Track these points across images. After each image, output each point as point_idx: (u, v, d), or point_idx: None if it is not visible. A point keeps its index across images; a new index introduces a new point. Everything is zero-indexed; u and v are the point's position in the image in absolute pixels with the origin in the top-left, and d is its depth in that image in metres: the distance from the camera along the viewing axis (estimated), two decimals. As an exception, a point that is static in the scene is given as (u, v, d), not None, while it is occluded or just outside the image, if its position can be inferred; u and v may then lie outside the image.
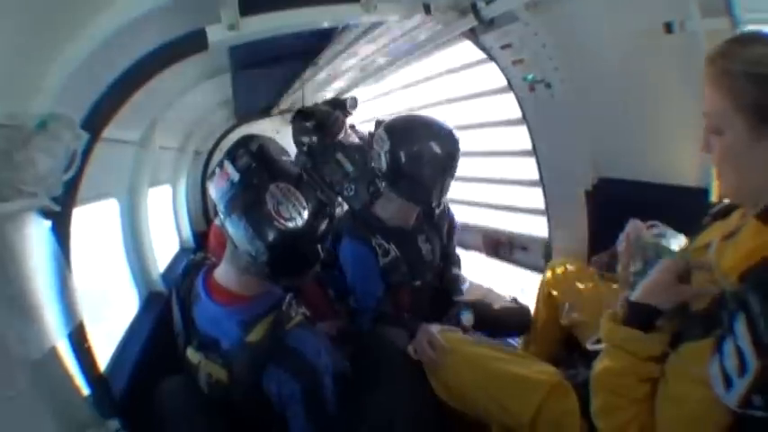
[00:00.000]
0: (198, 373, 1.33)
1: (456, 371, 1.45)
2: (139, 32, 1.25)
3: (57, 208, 1.07)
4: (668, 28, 1.48)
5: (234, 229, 1.24)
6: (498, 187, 3.14)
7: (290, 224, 1.22)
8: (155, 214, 2.27)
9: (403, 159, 1.84)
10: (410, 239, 2.04)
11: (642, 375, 0.97)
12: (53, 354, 1.12)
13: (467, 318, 1.85)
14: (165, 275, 2.19)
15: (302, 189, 1.27)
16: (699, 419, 0.88)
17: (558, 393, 1.29)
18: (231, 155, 1.30)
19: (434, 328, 1.56)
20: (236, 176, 1.25)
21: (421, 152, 1.84)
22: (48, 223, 1.10)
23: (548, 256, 2.42)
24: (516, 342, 2.17)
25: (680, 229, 1.24)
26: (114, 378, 1.42)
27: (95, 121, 1.25)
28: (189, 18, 1.40)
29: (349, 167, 1.99)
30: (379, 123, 2.09)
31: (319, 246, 1.32)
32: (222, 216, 1.27)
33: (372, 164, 1.97)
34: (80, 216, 1.35)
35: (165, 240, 2.40)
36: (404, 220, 2.01)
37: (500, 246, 3.04)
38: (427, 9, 1.92)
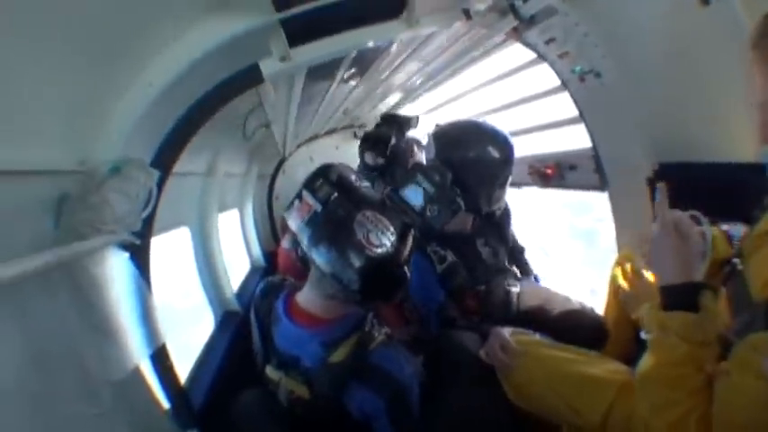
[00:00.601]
0: (278, 389, 1.37)
1: (528, 373, 1.43)
2: (198, 73, 1.34)
3: (137, 241, 1.17)
4: (705, 0, 1.39)
5: (322, 259, 1.24)
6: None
7: (381, 250, 1.22)
8: (225, 238, 2.40)
9: (450, 171, 1.80)
10: (469, 244, 2.03)
11: (698, 362, 0.92)
12: (137, 372, 1.22)
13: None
14: (239, 295, 2.31)
15: (387, 214, 1.27)
16: (761, 415, 0.82)
17: (629, 392, 1.24)
18: (310, 186, 1.33)
19: (506, 332, 1.55)
20: (318, 207, 1.27)
21: (466, 158, 1.84)
22: (127, 254, 1.20)
23: (599, 170, 2.32)
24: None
25: (746, 207, 1.16)
26: (193, 392, 1.52)
27: (165, 159, 1.35)
28: (243, 54, 1.49)
29: (430, 189, 2.02)
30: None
31: (406, 267, 1.32)
32: (306, 246, 1.27)
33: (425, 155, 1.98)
34: (157, 244, 1.46)
35: (237, 261, 2.53)
36: (460, 225, 2.00)
37: (547, 171, 2.87)
38: (467, 14, 1.93)
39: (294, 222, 1.31)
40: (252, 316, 1.49)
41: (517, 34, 2.13)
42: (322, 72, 2.15)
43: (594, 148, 2.29)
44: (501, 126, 1.96)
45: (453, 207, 1.70)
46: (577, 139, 2.47)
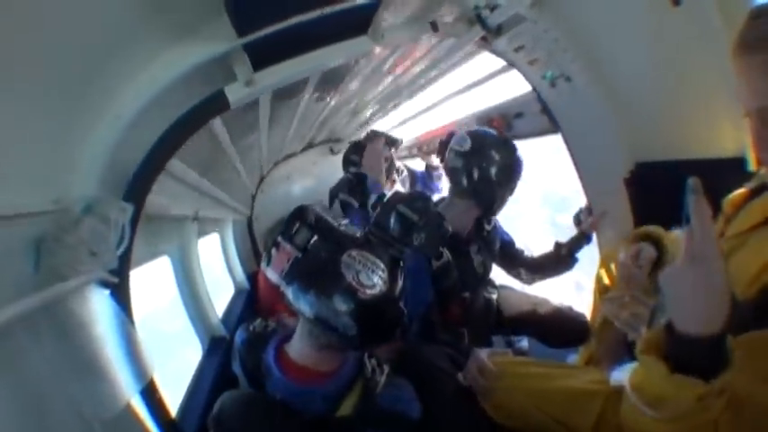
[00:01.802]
0: None
1: (508, 393, 1.42)
2: (165, 103, 1.33)
3: (114, 280, 1.15)
4: (675, 1, 1.43)
5: (311, 309, 1.15)
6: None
7: (374, 291, 1.14)
8: (207, 263, 2.38)
9: (481, 164, 1.97)
10: (463, 249, 2.07)
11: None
12: (128, 409, 1.19)
13: (523, 345, 1.84)
14: (224, 320, 2.29)
15: (374, 251, 1.19)
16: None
17: (615, 401, 1.24)
18: (286, 232, 1.24)
19: (483, 354, 1.55)
20: (298, 254, 1.20)
21: (497, 161, 1.97)
22: (107, 291, 1.19)
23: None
24: (575, 355, 2.11)
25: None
26: (185, 422, 1.49)
27: (137, 191, 1.33)
28: (209, 80, 1.49)
29: (414, 217, 2.04)
30: (450, 135, 2.16)
31: (402, 302, 1.24)
32: (292, 297, 1.19)
33: (448, 165, 2.05)
34: (137, 276, 1.44)
35: (220, 286, 2.51)
36: (461, 226, 2.06)
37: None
38: (434, 27, 1.95)
39: (273, 274, 1.22)
40: (236, 368, 1.36)
41: (486, 43, 2.16)
42: (288, 91, 2.16)
43: (569, 150, 2.33)
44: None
45: (441, 231, 1.71)
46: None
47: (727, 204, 1.16)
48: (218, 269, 2.75)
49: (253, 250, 3.33)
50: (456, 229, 1.98)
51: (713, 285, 0.72)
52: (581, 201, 2.38)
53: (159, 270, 2.11)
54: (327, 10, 1.43)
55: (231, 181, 2.68)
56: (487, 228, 2.20)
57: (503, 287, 2.38)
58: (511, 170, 2.01)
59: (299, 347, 1.27)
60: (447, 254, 1.96)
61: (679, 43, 1.55)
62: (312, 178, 3.88)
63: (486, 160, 1.97)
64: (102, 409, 1.05)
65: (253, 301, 2.79)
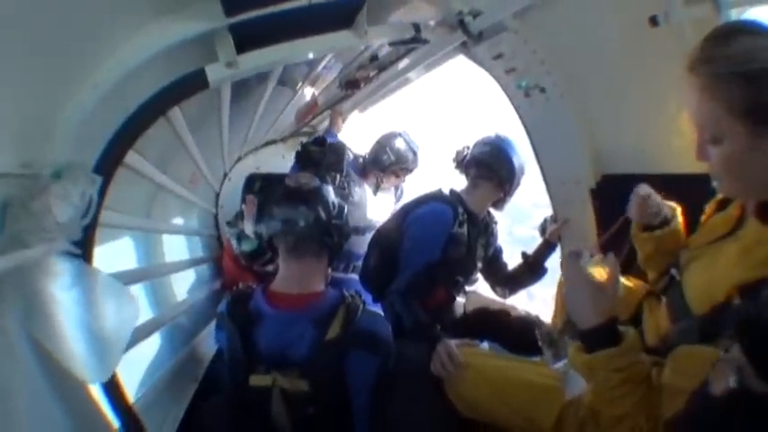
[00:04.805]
0: (270, 397, 1.34)
1: (473, 384, 1.46)
2: (144, 76, 1.31)
3: (78, 252, 1.12)
4: (654, 21, 1.50)
5: (279, 218, 1.45)
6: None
7: (313, 183, 1.53)
8: (170, 249, 2.32)
9: (504, 151, 2.16)
10: (474, 231, 2.17)
11: (634, 379, 0.96)
12: (86, 390, 1.16)
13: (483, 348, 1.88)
14: (188, 310, 2.23)
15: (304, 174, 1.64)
16: None
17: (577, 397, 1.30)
18: (247, 190, 2.08)
19: (453, 343, 1.58)
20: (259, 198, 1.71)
21: (517, 151, 2.19)
22: (69, 264, 1.14)
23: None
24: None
25: (689, 218, 1.26)
26: (144, 409, 1.45)
27: (107, 165, 1.29)
28: (190, 58, 1.47)
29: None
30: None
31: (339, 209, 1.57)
32: (265, 228, 1.51)
33: (474, 153, 2.23)
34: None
35: (183, 274, 2.45)
36: (479, 208, 2.21)
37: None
38: (417, 28, 1.99)
39: (248, 221, 1.69)
40: (226, 330, 1.45)
41: (465, 49, 2.21)
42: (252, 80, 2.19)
43: (537, 160, 2.39)
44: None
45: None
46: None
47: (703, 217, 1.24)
48: (182, 257, 2.67)
49: (217, 236, 3.27)
50: (475, 210, 2.18)
51: (588, 294, 0.99)
52: (539, 213, 2.46)
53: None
54: (316, 0, 1.44)
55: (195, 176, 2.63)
56: (493, 227, 2.34)
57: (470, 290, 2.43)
58: (522, 161, 2.20)
59: (283, 272, 1.49)
60: (467, 227, 2.11)
61: (653, 62, 1.62)
62: (281, 171, 3.82)
63: (508, 148, 2.17)
64: (59, 389, 1.04)
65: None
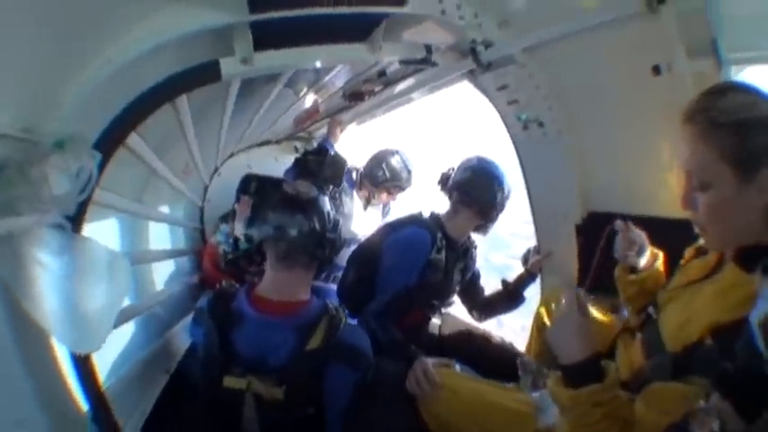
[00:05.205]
0: (243, 400, 1.31)
1: (447, 404, 1.47)
2: (158, 59, 1.31)
3: (69, 226, 1.09)
4: (657, 71, 1.55)
5: (272, 223, 1.40)
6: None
7: (311, 193, 1.47)
8: (154, 237, 2.28)
9: (486, 176, 2.11)
10: (452, 257, 2.15)
11: (612, 416, 0.96)
12: (59, 371, 1.13)
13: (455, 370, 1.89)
14: (165, 301, 2.19)
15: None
16: None
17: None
18: (242, 190, 1.97)
19: (430, 362, 1.58)
20: (254, 200, 1.66)
21: (498, 175, 2.13)
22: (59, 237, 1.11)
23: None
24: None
25: (669, 262, 1.30)
26: (114, 397, 1.41)
27: (109, 143, 1.27)
28: (206, 48, 1.48)
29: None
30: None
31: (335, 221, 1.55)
32: (257, 232, 1.52)
33: (455, 178, 2.17)
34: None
35: (164, 263, 2.41)
36: (459, 234, 2.17)
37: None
38: (428, 50, 2.03)
39: (240, 222, 1.61)
40: (204, 326, 1.41)
41: (473, 76, 2.25)
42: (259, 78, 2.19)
43: (528, 191, 2.44)
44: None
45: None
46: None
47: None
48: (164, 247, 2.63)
49: (201, 230, 3.23)
50: (454, 235, 2.14)
51: (579, 327, 1.01)
52: (517, 243, 2.49)
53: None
54: (338, 9, 1.46)
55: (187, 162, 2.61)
56: (472, 252, 2.31)
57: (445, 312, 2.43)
58: (507, 184, 2.14)
59: (269, 278, 1.45)
60: (445, 253, 2.08)
61: (650, 109, 1.67)
62: (272, 173, 3.80)
63: (490, 175, 2.12)
64: (32, 368, 1.02)
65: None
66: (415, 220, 2.15)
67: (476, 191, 2.10)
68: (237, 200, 2.15)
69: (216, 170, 3.44)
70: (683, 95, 1.41)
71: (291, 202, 1.43)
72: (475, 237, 2.31)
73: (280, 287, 1.43)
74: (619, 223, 1.45)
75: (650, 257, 1.47)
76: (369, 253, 2.16)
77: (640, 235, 1.45)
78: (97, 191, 1.28)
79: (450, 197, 2.20)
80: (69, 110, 1.10)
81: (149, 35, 1.20)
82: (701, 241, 1.18)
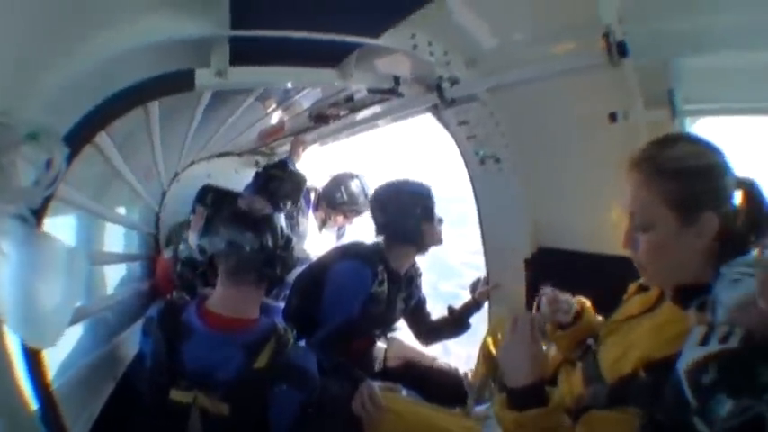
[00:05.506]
0: (189, 415, 1.29)
1: (394, 428, 1.51)
2: (134, 62, 1.33)
3: (32, 219, 1.08)
4: (613, 118, 1.64)
5: (224, 238, 1.41)
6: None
7: (265, 211, 1.48)
8: (109, 238, 2.24)
9: (398, 208, 2.05)
10: (395, 288, 2.13)
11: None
12: (9, 366, 1.12)
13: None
14: (114, 306, 2.14)
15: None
16: None
17: None
18: (199, 201, 2.02)
19: (376, 385, 1.62)
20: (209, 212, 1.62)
21: (409, 199, 2.06)
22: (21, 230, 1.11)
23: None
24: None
25: (612, 297, 1.38)
26: (61, 399, 1.37)
27: (77, 139, 1.28)
28: (184, 57, 1.50)
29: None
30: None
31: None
32: (209, 244, 1.50)
33: (376, 219, 2.14)
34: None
35: (116, 267, 2.36)
36: (399, 265, 2.14)
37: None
38: (396, 81, 2.12)
39: (194, 233, 1.64)
40: (153, 337, 1.40)
41: (435, 110, 2.37)
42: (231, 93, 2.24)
43: (480, 224, 2.54)
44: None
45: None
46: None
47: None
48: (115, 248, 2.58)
49: (155, 237, 3.18)
50: (396, 267, 2.12)
51: (528, 351, 1.04)
52: (467, 272, 2.56)
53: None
54: (314, 35, 1.54)
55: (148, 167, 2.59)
56: (417, 280, 2.31)
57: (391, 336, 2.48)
58: (421, 200, 2.07)
59: (220, 293, 1.44)
60: (387, 285, 2.06)
61: (602, 153, 1.76)
62: (232, 185, 3.79)
63: (399, 202, 2.07)
64: None
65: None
66: (357, 253, 2.11)
67: (392, 225, 2.08)
68: (193, 210, 2.16)
69: (176, 176, 3.41)
70: (635, 143, 1.53)
71: (243, 219, 1.44)
72: (425, 264, 2.32)
73: (229, 303, 1.42)
74: (547, 290, 1.48)
75: (577, 310, 1.48)
76: (311, 281, 2.13)
77: (567, 300, 1.46)
78: (61, 185, 1.28)
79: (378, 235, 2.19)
80: (44, 101, 1.10)
81: (132, 37, 1.22)
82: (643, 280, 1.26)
